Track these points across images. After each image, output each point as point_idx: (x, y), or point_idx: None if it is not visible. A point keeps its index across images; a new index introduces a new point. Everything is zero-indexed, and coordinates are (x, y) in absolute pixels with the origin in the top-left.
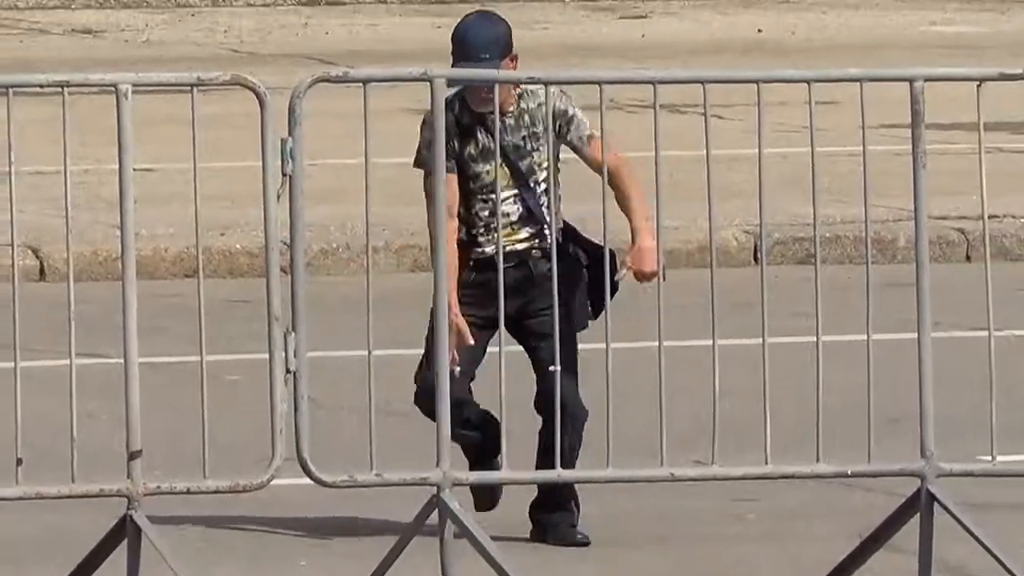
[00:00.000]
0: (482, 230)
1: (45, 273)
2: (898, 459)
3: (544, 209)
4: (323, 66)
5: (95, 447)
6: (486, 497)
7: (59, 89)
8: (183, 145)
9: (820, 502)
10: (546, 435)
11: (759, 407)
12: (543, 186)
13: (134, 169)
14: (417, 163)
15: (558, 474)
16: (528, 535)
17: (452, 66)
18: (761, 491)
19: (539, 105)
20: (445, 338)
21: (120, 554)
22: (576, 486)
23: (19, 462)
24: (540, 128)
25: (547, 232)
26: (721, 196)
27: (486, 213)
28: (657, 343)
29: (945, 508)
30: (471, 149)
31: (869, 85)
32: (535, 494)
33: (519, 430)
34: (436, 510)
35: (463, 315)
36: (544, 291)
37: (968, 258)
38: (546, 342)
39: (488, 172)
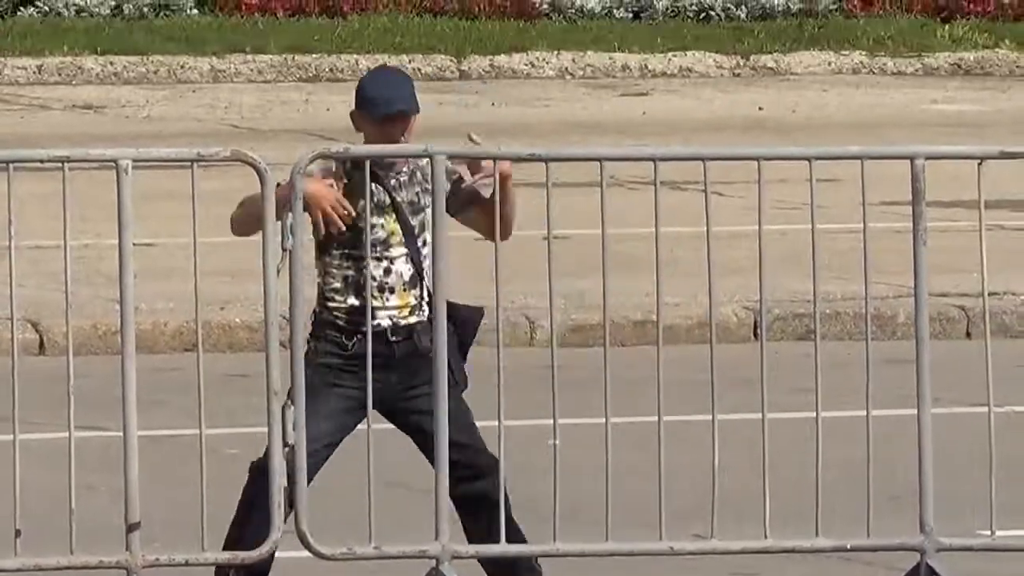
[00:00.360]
0: (375, 292)
1: (45, 347)
2: (898, 534)
3: (426, 272)
4: (324, 142)
5: (94, 519)
6: None
7: (59, 165)
8: (183, 220)
9: None
10: (483, 516)
11: (759, 482)
12: (427, 249)
13: (134, 244)
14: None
15: (557, 547)
16: None
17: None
18: (761, 565)
19: (428, 162)
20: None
21: None
22: (572, 559)
23: (18, 533)
24: (428, 184)
25: (426, 299)
26: (721, 272)
27: (380, 272)
28: (657, 418)
29: None
30: (362, 203)
31: (870, 163)
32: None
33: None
34: None
35: (344, 386)
36: (425, 365)
37: (968, 335)
38: (431, 417)
39: (383, 226)
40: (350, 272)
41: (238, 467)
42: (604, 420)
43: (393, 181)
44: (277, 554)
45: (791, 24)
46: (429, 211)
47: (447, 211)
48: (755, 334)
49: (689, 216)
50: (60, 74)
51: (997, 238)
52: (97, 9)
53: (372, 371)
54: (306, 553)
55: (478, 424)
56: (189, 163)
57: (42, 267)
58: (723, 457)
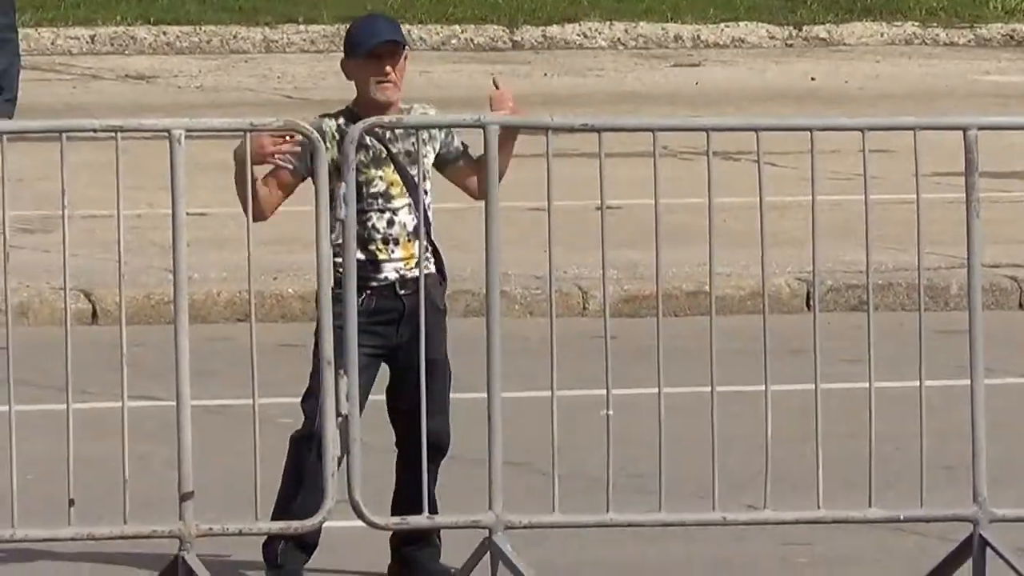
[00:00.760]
0: (380, 245)
1: (97, 316)
2: (951, 505)
3: (432, 220)
4: None
5: (147, 489)
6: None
7: (112, 134)
8: (235, 190)
9: (872, 547)
10: (415, 475)
11: (811, 452)
12: (429, 198)
13: (187, 214)
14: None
15: (610, 518)
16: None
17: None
18: (813, 536)
19: (422, 114)
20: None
21: None
22: (625, 529)
23: (71, 503)
24: (426, 134)
25: (430, 251)
26: (774, 243)
27: (383, 224)
28: (710, 388)
29: (998, 553)
30: (361, 156)
31: (923, 133)
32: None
33: (567, 472)
34: (488, 553)
35: (361, 345)
36: (432, 319)
37: (1021, 305)
38: (425, 372)
39: (381, 178)
40: (355, 226)
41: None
42: (657, 390)
43: (388, 133)
44: (329, 523)
45: None
46: (428, 160)
47: (433, 165)
48: (808, 305)
49: (742, 187)
50: (112, 44)
51: None
52: None
53: (384, 326)
54: (356, 523)
55: (538, 395)
56: (242, 133)
57: (95, 237)
58: (776, 428)
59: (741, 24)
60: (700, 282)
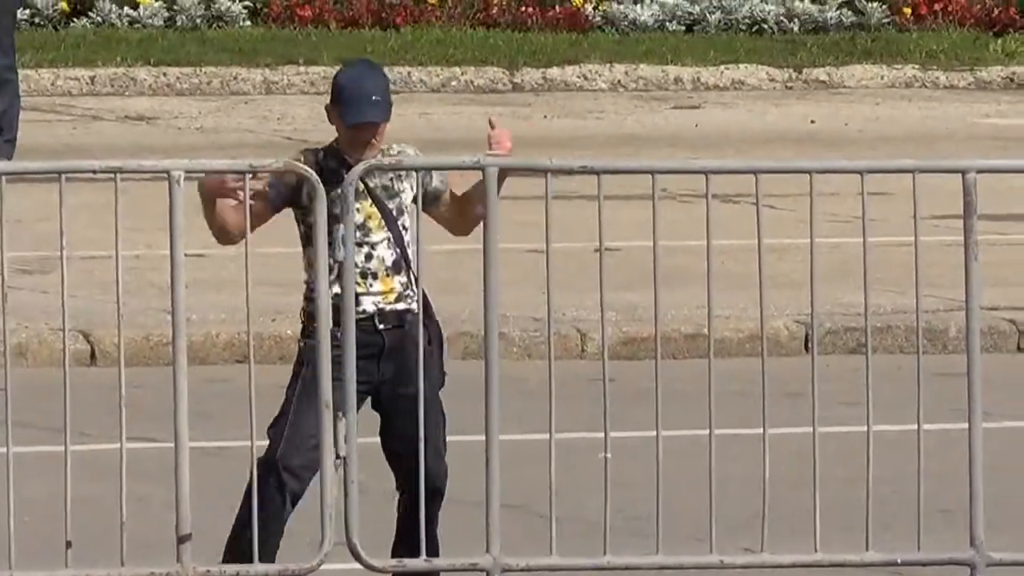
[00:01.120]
0: (358, 278)
1: (96, 358)
2: (948, 549)
3: (412, 256)
4: None
5: (145, 530)
6: None
7: (112, 175)
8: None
9: None
10: (414, 517)
11: (809, 495)
12: (409, 233)
13: (185, 255)
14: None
15: (608, 560)
16: None
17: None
18: None
19: (400, 152)
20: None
21: None
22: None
23: (68, 545)
24: (403, 172)
25: (413, 287)
26: (772, 285)
27: (361, 258)
28: (708, 431)
29: None
30: (338, 190)
31: (922, 176)
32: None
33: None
34: None
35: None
36: (416, 357)
37: (1019, 348)
38: (415, 412)
39: (359, 210)
40: (332, 261)
41: None
42: (655, 433)
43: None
44: (327, 566)
45: (843, 37)
46: (405, 195)
47: (413, 201)
48: (806, 347)
49: (741, 229)
50: (112, 85)
51: None
52: (150, 20)
53: (364, 361)
54: (354, 565)
55: (536, 438)
56: (241, 174)
57: (94, 278)
58: (774, 471)
59: (741, 66)
60: (699, 324)
